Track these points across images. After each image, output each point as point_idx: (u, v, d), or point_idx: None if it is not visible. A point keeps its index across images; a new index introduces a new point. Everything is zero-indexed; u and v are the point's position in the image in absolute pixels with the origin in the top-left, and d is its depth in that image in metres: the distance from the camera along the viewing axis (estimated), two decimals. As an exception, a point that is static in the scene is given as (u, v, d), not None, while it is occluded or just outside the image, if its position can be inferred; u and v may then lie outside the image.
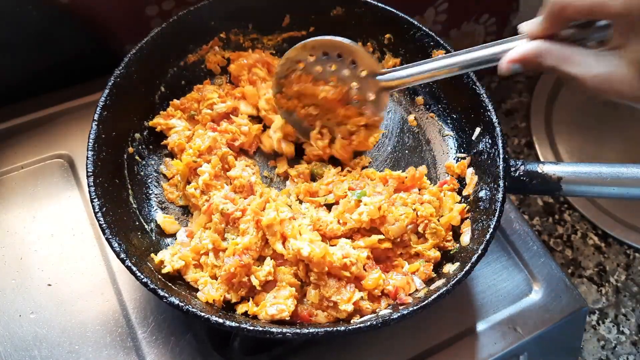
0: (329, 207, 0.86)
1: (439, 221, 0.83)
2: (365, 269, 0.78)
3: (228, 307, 0.76)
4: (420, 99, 0.98)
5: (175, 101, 0.93)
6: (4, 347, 0.77)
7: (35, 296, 0.82)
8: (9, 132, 0.96)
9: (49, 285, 0.83)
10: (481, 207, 0.81)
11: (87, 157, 0.78)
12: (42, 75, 1.01)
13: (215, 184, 0.85)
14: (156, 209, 0.86)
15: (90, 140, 0.79)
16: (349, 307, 0.74)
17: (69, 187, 0.92)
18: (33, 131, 0.97)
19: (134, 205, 0.84)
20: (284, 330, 0.68)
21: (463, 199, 0.87)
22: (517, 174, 0.80)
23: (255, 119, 0.96)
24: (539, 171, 0.79)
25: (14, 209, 0.89)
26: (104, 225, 0.73)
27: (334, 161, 0.92)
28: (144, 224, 0.84)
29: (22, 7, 0.92)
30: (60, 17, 0.96)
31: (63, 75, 1.02)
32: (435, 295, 0.71)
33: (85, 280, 0.84)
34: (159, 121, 0.91)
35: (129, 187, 0.85)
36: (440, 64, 0.78)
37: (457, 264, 0.77)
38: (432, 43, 0.93)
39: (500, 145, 0.82)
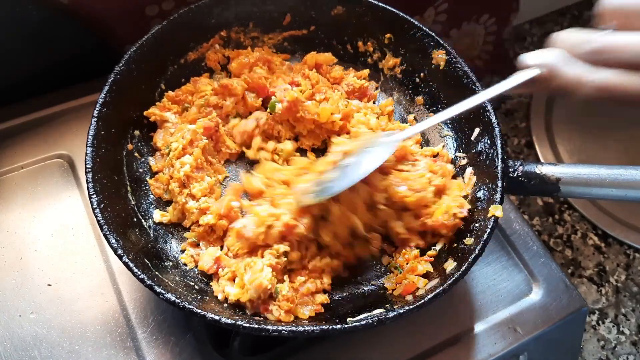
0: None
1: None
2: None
3: (237, 307, 0.77)
4: (420, 99, 0.98)
5: (170, 93, 0.93)
6: (4, 347, 0.77)
7: (35, 296, 0.82)
8: (9, 132, 0.96)
9: (49, 285, 0.83)
10: (479, 207, 0.81)
11: (86, 154, 0.78)
12: (42, 75, 1.02)
13: (196, 176, 0.84)
14: (154, 206, 0.87)
15: (90, 137, 0.79)
16: None
17: (69, 187, 0.92)
18: (33, 131, 0.97)
19: (132, 202, 0.84)
20: (280, 327, 0.68)
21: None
22: (515, 175, 0.80)
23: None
24: (538, 172, 0.79)
25: (14, 209, 0.89)
26: (102, 221, 0.74)
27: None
28: (142, 220, 0.84)
29: (22, 7, 0.93)
30: (60, 17, 0.96)
31: (63, 75, 1.02)
32: (431, 295, 0.71)
33: (85, 280, 0.84)
34: (154, 111, 0.90)
35: (128, 183, 0.85)
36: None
37: (455, 263, 0.77)
38: (432, 43, 0.93)
39: (499, 145, 0.82)
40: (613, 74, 0.55)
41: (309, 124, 0.91)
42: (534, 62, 0.62)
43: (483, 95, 0.71)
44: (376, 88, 1.01)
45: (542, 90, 0.63)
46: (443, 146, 0.94)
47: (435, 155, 0.93)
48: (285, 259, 0.78)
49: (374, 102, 0.99)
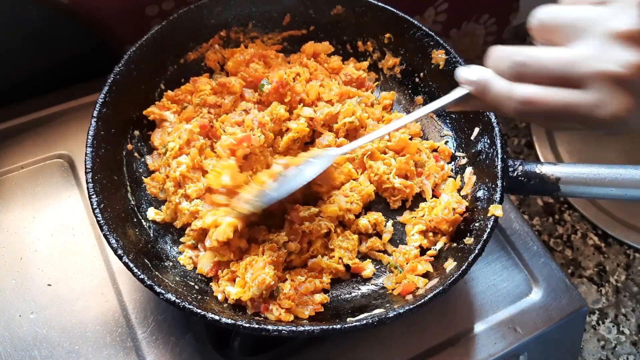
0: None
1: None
2: None
3: (237, 307, 0.77)
4: (419, 99, 0.98)
5: (170, 92, 0.92)
6: (4, 347, 0.77)
7: (35, 296, 0.82)
8: (9, 132, 0.96)
9: (49, 285, 0.83)
10: (479, 207, 0.81)
11: (86, 154, 0.78)
12: (42, 75, 1.02)
13: (192, 176, 0.84)
14: (153, 206, 0.86)
15: (90, 137, 0.79)
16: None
17: (69, 187, 0.92)
18: (33, 131, 0.97)
19: (132, 202, 0.84)
20: (280, 327, 0.68)
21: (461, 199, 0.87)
22: (515, 174, 0.80)
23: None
24: (537, 172, 0.79)
25: (14, 209, 0.89)
26: (102, 221, 0.73)
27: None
28: (142, 220, 0.83)
29: (22, 7, 0.93)
30: (60, 17, 0.96)
31: (63, 75, 1.02)
32: (431, 295, 0.71)
33: (85, 280, 0.84)
34: (153, 110, 0.90)
35: (127, 183, 0.85)
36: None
37: (455, 263, 0.77)
38: (432, 43, 0.93)
39: (498, 145, 0.82)
40: (535, 88, 0.55)
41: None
42: (465, 78, 0.61)
43: (420, 111, 0.70)
44: (376, 79, 1.01)
45: (480, 107, 0.63)
46: (445, 142, 0.94)
47: (435, 150, 0.93)
48: (285, 250, 0.78)
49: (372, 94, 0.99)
